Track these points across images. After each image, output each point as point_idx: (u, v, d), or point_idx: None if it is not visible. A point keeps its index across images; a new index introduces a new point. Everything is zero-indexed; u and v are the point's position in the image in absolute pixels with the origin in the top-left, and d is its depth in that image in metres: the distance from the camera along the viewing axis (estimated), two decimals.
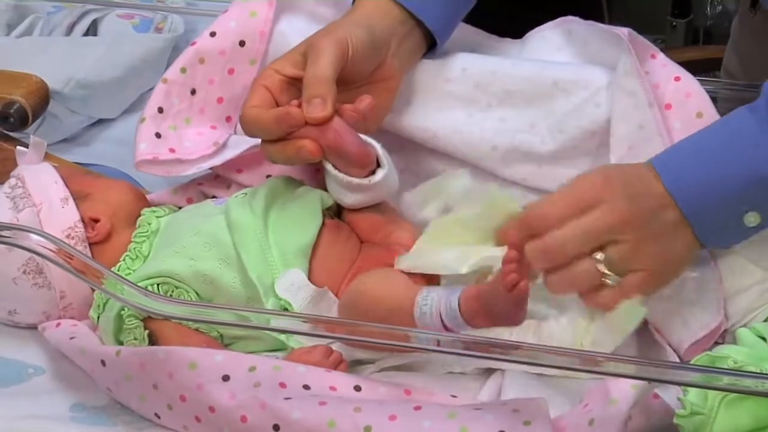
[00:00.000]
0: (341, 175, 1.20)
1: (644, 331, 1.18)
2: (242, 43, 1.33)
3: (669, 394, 1.07)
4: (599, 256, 1.07)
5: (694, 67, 1.28)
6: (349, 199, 1.23)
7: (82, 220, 1.24)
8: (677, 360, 1.16)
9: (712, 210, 1.08)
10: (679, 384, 1.02)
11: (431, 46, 1.31)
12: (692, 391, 1.02)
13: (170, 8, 1.82)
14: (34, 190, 1.25)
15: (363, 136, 1.19)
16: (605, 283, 1.07)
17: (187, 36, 1.71)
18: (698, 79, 1.23)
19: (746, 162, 1.07)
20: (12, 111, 1.42)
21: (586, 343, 1.12)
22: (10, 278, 1.23)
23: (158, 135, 1.32)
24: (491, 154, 1.28)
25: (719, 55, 1.68)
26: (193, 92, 1.34)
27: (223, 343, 1.19)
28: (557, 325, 1.14)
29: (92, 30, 1.78)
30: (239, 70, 1.33)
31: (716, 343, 1.16)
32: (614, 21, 1.98)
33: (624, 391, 1.02)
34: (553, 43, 1.34)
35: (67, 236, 1.22)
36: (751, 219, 1.09)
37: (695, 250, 1.10)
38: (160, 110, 1.33)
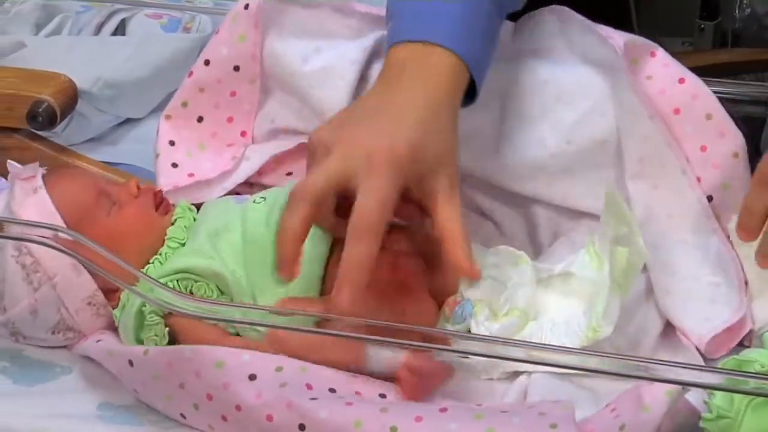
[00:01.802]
0: None
1: (668, 334, 1.18)
2: (237, 68, 1.34)
3: (693, 395, 1.06)
4: None
5: (723, 70, 1.28)
6: None
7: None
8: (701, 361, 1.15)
9: None
10: (706, 387, 1.01)
11: None
12: (718, 394, 1.01)
13: (198, 8, 1.82)
14: (42, 259, 1.19)
15: None
16: None
17: None
18: (728, 82, 1.22)
19: None
20: (40, 110, 1.43)
21: (599, 309, 1.11)
22: (74, 310, 1.21)
23: (174, 165, 1.34)
24: (500, 169, 1.27)
25: (748, 57, 1.67)
26: (200, 120, 1.36)
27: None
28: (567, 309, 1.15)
29: (120, 30, 1.78)
30: (241, 91, 1.35)
31: (743, 347, 1.16)
32: (642, 23, 1.99)
33: (657, 398, 1.01)
34: (545, 29, 1.31)
35: (88, 304, 1.21)
36: None
37: None
38: (172, 143, 1.35)
